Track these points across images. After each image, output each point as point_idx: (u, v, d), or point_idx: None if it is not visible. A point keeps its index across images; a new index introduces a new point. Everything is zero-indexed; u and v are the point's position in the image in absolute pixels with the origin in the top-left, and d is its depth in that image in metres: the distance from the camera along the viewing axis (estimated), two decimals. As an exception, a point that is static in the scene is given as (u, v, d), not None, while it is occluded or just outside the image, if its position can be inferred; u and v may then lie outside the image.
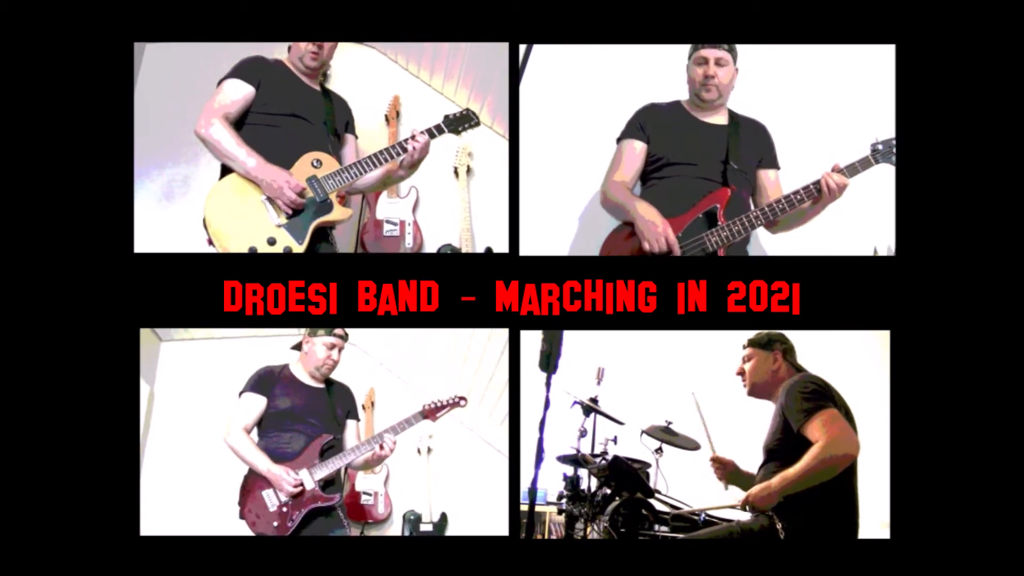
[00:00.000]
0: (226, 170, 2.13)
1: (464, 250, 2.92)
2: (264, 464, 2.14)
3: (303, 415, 2.24)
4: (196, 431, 3.10)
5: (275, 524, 2.11)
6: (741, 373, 2.06)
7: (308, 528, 2.14)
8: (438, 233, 3.02)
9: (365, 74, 3.09)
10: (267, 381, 2.28)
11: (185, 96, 2.78)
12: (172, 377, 3.30)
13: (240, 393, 2.27)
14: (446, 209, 3.03)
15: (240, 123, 2.14)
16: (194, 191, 2.83)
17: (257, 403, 2.24)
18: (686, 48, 2.30)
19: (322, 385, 2.34)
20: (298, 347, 2.37)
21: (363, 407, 3.12)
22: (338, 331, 2.31)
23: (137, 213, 2.09)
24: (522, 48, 2.21)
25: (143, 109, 2.14)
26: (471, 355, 3.00)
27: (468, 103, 3.07)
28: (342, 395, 2.39)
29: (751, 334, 2.06)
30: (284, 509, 2.12)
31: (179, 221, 2.78)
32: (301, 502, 2.13)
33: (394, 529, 3.25)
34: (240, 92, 2.13)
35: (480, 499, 3.17)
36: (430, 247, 2.99)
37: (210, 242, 2.08)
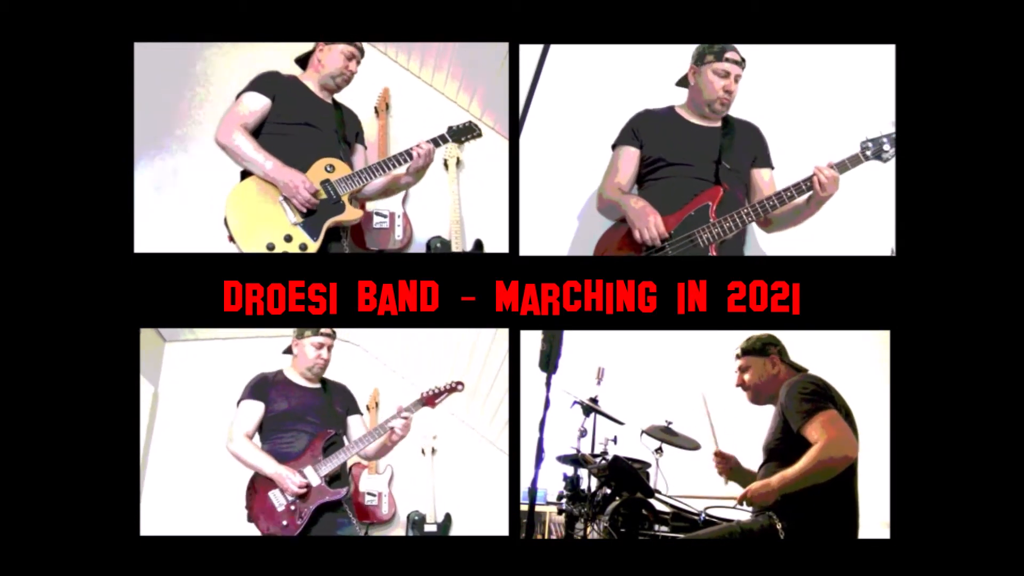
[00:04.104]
0: (245, 174, 2.24)
1: (454, 242, 2.94)
2: (269, 466, 2.17)
3: (302, 414, 2.28)
4: (201, 432, 3.09)
5: (284, 523, 2.14)
6: (741, 384, 2.05)
7: (317, 524, 2.17)
8: (428, 225, 3.02)
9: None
10: (263, 387, 2.32)
11: (174, 90, 2.82)
12: (176, 378, 3.30)
13: (238, 402, 2.31)
14: (436, 201, 3.03)
15: (256, 133, 2.24)
16: (183, 185, 2.86)
17: (256, 409, 2.28)
18: (684, 49, 2.29)
19: (317, 385, 2.37)
20: (289, 351, 2.41)
21: (367, 407, 3.11)
22: (325, 330, 2.34)
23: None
24: (540, 49, 2.21)
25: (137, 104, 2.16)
26: (475, 354, 3.00)
27: (458, 95, 3.10)
28: (339, 393, 2.43)
29: (742, 342, 2.05)
30: (292, 508, 2.15)
31: (176, 218, 2.79)
32: (308, 499, 2.16)
33: (398, 530, 3.24)
34: (258, 104, 2.24)
35: (481, 499, 3.16)
36: (420, 239, 3.00)
37: (231, 239, 2.16)
